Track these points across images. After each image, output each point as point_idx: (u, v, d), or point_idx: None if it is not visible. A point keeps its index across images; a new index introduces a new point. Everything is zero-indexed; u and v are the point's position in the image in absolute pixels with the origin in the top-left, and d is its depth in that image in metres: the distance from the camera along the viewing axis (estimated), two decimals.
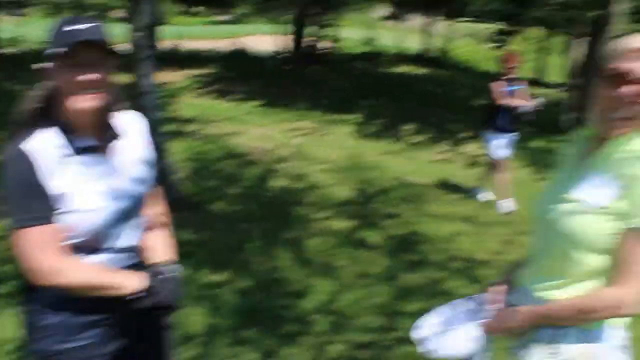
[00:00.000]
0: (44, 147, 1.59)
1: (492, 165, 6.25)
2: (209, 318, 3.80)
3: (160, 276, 1.71)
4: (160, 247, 1.88)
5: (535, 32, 20.70)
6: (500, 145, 6.11)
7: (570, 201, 1.68)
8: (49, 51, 1.59)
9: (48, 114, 1.65)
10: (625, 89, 1.58)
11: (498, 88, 5.99)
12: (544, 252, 1.79)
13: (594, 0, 8.77)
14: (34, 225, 1.57)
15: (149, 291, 1.67)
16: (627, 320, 1.71)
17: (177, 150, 7.67)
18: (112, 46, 1.62)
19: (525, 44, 22.06)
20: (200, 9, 29.59)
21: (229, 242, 5.02)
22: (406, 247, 5.08)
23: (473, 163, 7.92)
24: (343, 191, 6.50)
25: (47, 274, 1.59)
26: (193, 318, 3.79)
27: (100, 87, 1.61)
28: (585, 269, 1.65)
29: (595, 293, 1.65)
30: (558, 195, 1.75)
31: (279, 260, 4.72)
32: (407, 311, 3.88)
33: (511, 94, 6.08)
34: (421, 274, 4.57)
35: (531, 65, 19.89)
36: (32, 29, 23.02)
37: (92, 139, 1.69)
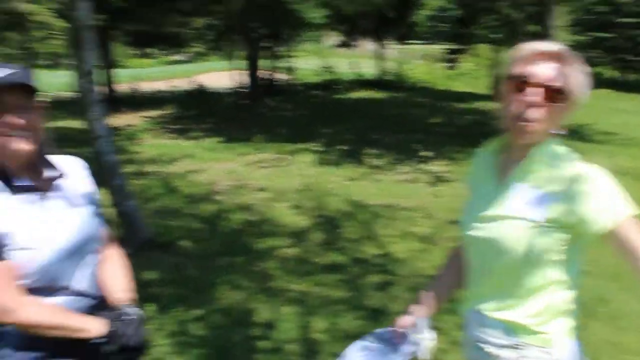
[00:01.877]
0: None
1: None
2: (180, 356, 3.76)
3: (122, 318, 1.69)
4: (118, 287, 1.85)
5: (484, 49, 21.31)
6: None
7: (504, 217, 1.65)
8: None
9: None
10: (529, 93, 1.57)
11: None
12: (484, 272, 1.73)
13: (531, 15, 9.10)
14: None
15: (110, 335, 1.65)
16: None
17: (140, 191, 7.63)
18: (37, 91, 1.63)
19: (477, 61, 22.70)
20: (154, 50, 29.62)
21: (196, 279, 4.99)
22: (371, 268, 5.12)
23: (437, 181, 8.04)
24: (306, 219, 6.53)
25: (4, 312, 1.56)
26: (167, 356, 3.75)
27: (28, 130, 1.61)
28: (534, 283, 1.63)
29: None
30: (486, 211, 1.70)
31: (247, 292, 4.71)
32: None
33: None
34: (390, 293, 4.61)
35: (485, 82, 20.40)
36: None
37: (30, 179, 1.68)
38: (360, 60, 23.56)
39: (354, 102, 16.67)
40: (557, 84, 1.56)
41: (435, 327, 1.90)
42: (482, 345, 1.73)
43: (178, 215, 6.72)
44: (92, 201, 1.85)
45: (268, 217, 6.56)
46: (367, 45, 23.87)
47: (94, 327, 1.65)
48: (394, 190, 7.63)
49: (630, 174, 7.92)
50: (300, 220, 6.50)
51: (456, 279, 1.94)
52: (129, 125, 14.07)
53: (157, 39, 20.95)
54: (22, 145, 1.61)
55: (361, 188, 7.76)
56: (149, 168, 9.17)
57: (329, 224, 6.33)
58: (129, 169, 8.75)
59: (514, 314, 1.66)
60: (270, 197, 7.36)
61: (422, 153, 9.66)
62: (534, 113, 1.57)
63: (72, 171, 1.84)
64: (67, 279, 1.70)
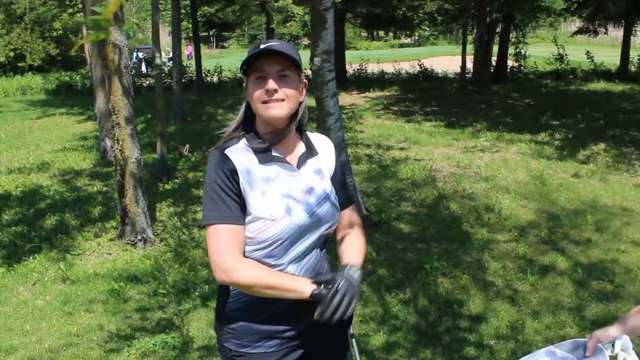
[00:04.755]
0: (240, 153, 1.71)
1: None
2: (387, 335, 3.83)
3: (342, 281, 1.65)
4: (352, 250, 1.87)
5: None
6: None
7: None
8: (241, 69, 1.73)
9: (248, 126, 1.78)
10: None
11: None
12: None
13: None
14: (223, 223, 1.66)
15: (319, 297, 1.63)
16: None
17: (359, 170, 7.88)
18: (296, 60, 1.69)
19: None
20: (383, 32, 30.25)
21: (408, 262, 5.03)
22: (598, 275, 4.68)
23: None
24: (528, 213, 6.18)
25: (223, 270, 1.65)
26: (372, 334, 3.85)
27: (282, 97, 1.68)
28: None
29: None
30: None
31: (458, 281, 4.62)
32: None
33: None
34: (614, 305, 4.18)
35: None
36: (231, 60, 25.16)
37: (282, 151, 1.76)
38: (602, 48, 21.53)
39: (589, 94, 15.32)
40: None
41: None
42: None
43: (395, 197, 6.80)
44: (337, 181, 1.88)
45: (488, 207, 6.34)
46: (611, 32, 21.69)
47: (307, 288, 1.65)
48: (628, 193, 6.86)
49: None
50: (522, 214, 6.17)
51: None
52: (353, 105, 14.58)
53: (387, 22, 21.28)
54: (277, 111, 1.68)
55: (589, 187, 7.12)
56: (369, 148, 9.41)
57: (554, 222, 5.91)
58: (351, 147, 9.07)
59: None
60: (491, 187, 7.10)
61: None
62: None
63: (323, 150, 1.88)
64: (296, 254, 1.74)
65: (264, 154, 1.73)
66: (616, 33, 20.31)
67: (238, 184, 1.67)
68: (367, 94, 16.96)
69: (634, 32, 19.82)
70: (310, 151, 1.83)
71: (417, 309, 4.19)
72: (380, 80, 19.60)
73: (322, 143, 1.90)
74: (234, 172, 1.67)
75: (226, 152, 1.71)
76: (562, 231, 5.64)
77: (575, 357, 1.73)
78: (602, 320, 3.86)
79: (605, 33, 21.21)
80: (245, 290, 1.71)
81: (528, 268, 4.79)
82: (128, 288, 4.67)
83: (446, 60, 25.12)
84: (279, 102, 1.67)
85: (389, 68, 21.52)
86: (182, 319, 4.16)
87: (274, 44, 1.67)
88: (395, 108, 14.11)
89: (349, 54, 22.13)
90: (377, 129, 11.31)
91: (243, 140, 1.75)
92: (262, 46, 1.67)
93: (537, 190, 6.93)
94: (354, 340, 1.93)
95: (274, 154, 1.74)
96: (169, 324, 4.09)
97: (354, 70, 20.95)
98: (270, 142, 1.73)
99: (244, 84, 1.75)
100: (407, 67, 21.14)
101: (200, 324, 4.07)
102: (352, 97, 16.18)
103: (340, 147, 5.43)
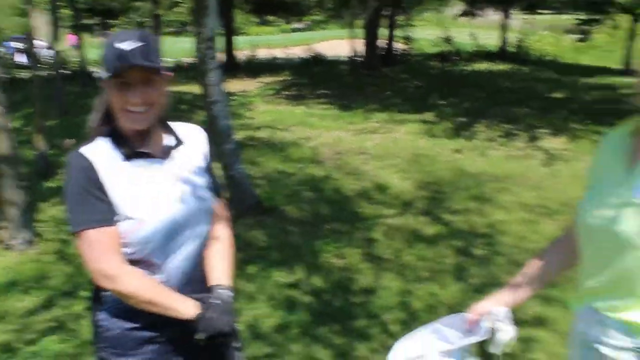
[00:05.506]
0: (102, 152, 1.63)
1: None
2: (280, 317, 3.87)
3: (212, 303, 1.65)
4: (219, 269, 1.79)
5: (623, 19, 19.62)
6: None
7: (630, 206, 1.47)
8: (101, 71, 1.61)
9: (108, 123, 1.68)
10: None
11: None
12: (602, 265, 1.56)
13: None
14: (94, 228, 1.58)
15: (199, 319, 1.62)
16: None
17: (250, 156, 7.86)
18: (159, 64, 1.61)
19: (612, 33, 21.03)
20: (274, 18, 30.19)
21: (301, 244, 5.09)
22: (475, 241, 5.00)
23: (552, 158, 7.62)
24: (414, 189, 6.45)
25: (105, 277, 1.59)
26: (265, 317, 3.87)
27: (148, 106, 1.62)
28: None
29: None
30: (610, 198, 1.54)
31: (349, 259, 4.74)
32: None
33: None
34: (491, 268, 4.49)
35: (619, 55, 18.93)
36: None
37: (146, 145, 1.68)
38: (482, 30, 22.63)
39: (472, 74, 16.09)
40: None
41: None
42: (597, 345, 1.59)
43: (286, 181, 6.85)
44: (206, 173, 1.82)
45: (375, 185, 6.55)
46: (491, 15, 22.83)
47: (186, 308, 1.62)
48: (505, 165, 7.33)
49: None
50: (407, 190, 6.43)
51: (557, 268, 1.80)
52: (244, 91, 14.48)
53: (277, 7, 21.28)
54: (140, 124, 1.62)
55: (471, 161, 7.53)
56: (260, 134, 9.40)
57: (436, 194, 6.22)
58: (241, 134, 9.02)
59: (638, 314, 1.49)
60: (379, 166, 7.33)
61: (540, 129, 9.17)
62: None
63: (191, 140, 1.81)
64: (168, 254, 1.69)
65: (126, 150, 1.65)
66: (497, 16, 21.41)
67: (102, 183, 1.58)
68: (258, 79, 16.89)
69: (510, 15, 21.07)
70: (177, 142, 1.76)
71: (311, 289, 4.26)
72: (272, 66, 19.58)
73: (189, 132, 1.83)
74: (95, 172, 1.58)
75: (84, 151, 1.62)
76: (445, 204, 5.94)
77: (458, 331, 1.79)
78: (484, 285, 4.13)
79: (484, 16, 22.37)
80: (124, 299, 1.63)
81: (414, 240, 5.01)
82: (8, 296, 4.40)
83: (337, 44, 25.45)
84: (140, 115, 1.61)
85: (280, 53, 21.54)
86: (71, 323, 3.97)
87: (135, 47, 1.55)
88: (287, 93, 14.14)
89: (239, 40, 21.92)
90: (268, 114, 11.30)
91: (104, 138, 1.66)
92: (121, 46, 1.55)
93: (423, 168, 7.23)
94: (239, 353, 1.81)
95: (137, 149, 1.66)
96: (57, 329, 3.90)
97: (245, 57, 20.80)
98: (132, 138, 1.66)
99: (102, 80, 1.63)
100: (299, 52, 21.25)
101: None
102: (243, 83, 16.04)
103: (227, 135, 5.37)
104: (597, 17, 20.21)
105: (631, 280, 1.49)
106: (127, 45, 1.55)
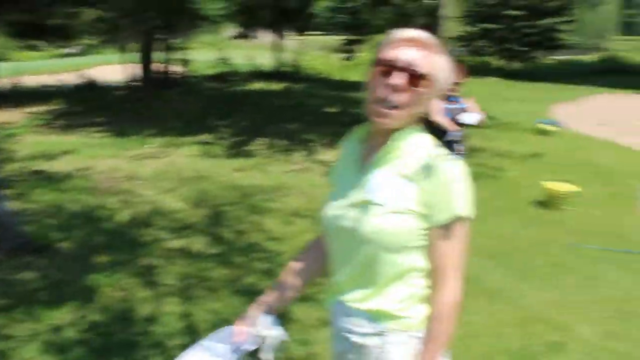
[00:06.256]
0: None
1: None
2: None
3: None
4: None
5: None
6: None
7: (363, 204, 1.63)
8: None
9: None
10: (393, 77, 1.56)
11: (436, 104, 5.47)
12: (345, 261, 1.71)
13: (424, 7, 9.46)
14: None
15: None
16: None
17: (20, 191, 7.24)
18: None
19: (372, 52, 23.14)
20: (40, 42, 28.10)
21: (76, 280, 4.82)
22: (254, 255, 5.23)
23: (329, 170, 8.15)
24: (191, 210, 6.50)
25: None
26: None
27: None
28: (395, 271, 1.62)
29: (437, 308, 1.64)
30: (346, 199, 1.69)
31: (129, 289, 4.60)
32: None
33: (451, 113, 5.52)
34: (271, 276, 4.70)
35: None
36: None
37: None
38: (258, 52, 23.43)
39: (250, 94, 16.57)
40: (421, 69, 1.57)
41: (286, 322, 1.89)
42: (347, 335, 1.73)
43: (60, 215, 6.44)
44: None
45: (153, 210, 6.45)
46: (266, 37, 23.75)
47: None
48: (284, 179, 7.69)
49: (507, 156, 8.45)
50: (186, 212, 6.45)
51: (311, 270, 1.94)
52: (8, 123, 13.27)
53: (43, 31, 19.84)
54: None
55: (250, 179, 7.78)
56: (29, 167, 8.70)
57: (215, 214, 6.33)
58: (8, 169, 8.28)
59: (377, 302, 1.66)
60: (156, 191, 7.23)
61: (316, 143, 9.76)
62: (396, 97, 1.57)
63: None
64: None
65: None
66: (271, 38, 22.39)
67: None
68: (25, 109, 15.56)
69: (284, 36, 22.17)
70: None
71: (89, 326, 4.05)
72: (41, 94, 18.17)
73: None
74: None
75: None
76: (223, 222, 6.09)
77: (228, 344, 1.81)
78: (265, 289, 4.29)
79: (259, 37, 23.23)
80: None
81: (195, 261, 5.04)
82: None
83: (113, 69, 24.45)
84: None
85: (51, 80, 20.09)
86: None
87: None
88: (59, 122, 13.21)
89: (1, 66, 20.02)
90: (39, 145, 10.47)
91: None
92: None
93: (202, 188, 7.30)
94: None
95: None
96: None
97: (8, 85, 19.02)
98: None
99: None
100: (72, 78, 20.01)
101: None
102: (8, 114, 14.69)
103: None
104: (358, 37, 22.21)
105: (368, 272, 1.66)
106: None
